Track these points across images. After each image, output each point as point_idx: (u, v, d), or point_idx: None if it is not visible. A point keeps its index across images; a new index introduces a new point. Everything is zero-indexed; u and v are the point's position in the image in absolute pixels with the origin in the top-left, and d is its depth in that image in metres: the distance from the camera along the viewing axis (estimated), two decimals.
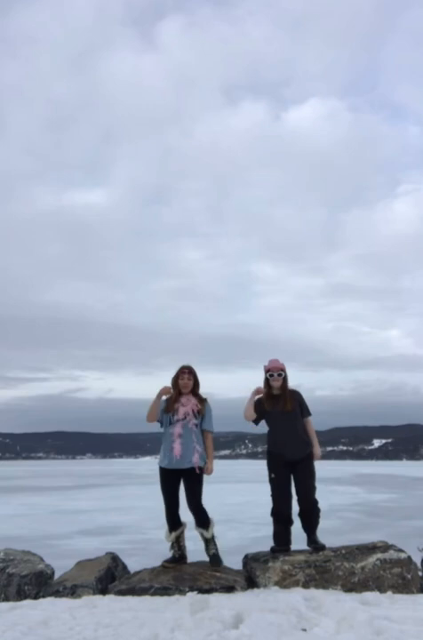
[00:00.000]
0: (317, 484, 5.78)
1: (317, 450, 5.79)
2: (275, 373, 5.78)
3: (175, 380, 5.63)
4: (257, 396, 5.81)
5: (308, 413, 5.85)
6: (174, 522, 5.57)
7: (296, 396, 5.82)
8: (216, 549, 5.53)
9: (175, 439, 5.49)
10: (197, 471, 5.47)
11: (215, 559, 5.46)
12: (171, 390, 5.57)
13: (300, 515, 5.69)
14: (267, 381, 5.82)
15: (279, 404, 5.73)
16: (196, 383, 5.66)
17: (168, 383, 5.63)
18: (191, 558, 5.65)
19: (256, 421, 5.86)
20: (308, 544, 5.63)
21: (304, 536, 5.71)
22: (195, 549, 5.70)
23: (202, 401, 5.64)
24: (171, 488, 5.52)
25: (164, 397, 5.62)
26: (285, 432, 5.69)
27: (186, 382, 5.58)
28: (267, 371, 5.83)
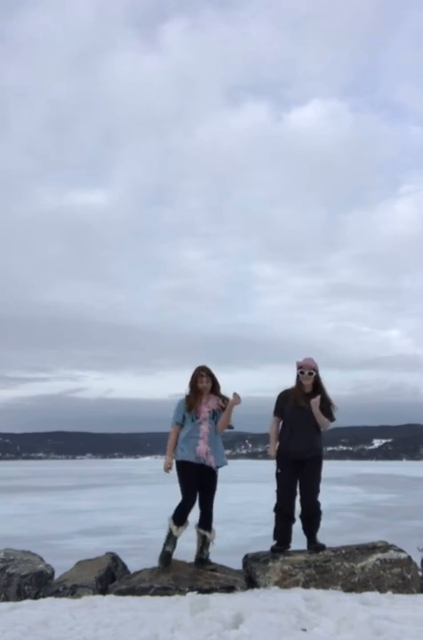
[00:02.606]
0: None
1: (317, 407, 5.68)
2: (306, 371, 5.77)
3: (194, 382, 5.63)
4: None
5: (332, 419, 5.82)
6: (184, 518, 5.54)
7: (324, 401, 5.75)
8: (208, 555, 5.62)
9: (201, 436, 5.49)
10: (214, 467, 5.52)
11: (206, 563, 5.54)
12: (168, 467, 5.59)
13: (301, 516, 5.69)
14: (297, 378, 5.82)
15: (305, 401, 5.70)
16: (215, 383, 5.67)
17: (186, 386, 5.68)
18: (189, 558, 5.65)
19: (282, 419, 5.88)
20: (308, 546, 5.63)
21: (304, 536, 5.72)
22: (190, 550, 5.70)
23: (224, 399, 5.63)
24: (193, 483, 5.51)
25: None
26: (297, 429, 5.67)
27: (205, 385, 5.59)
28: (298, 367, 5.81)
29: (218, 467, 5.57)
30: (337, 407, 5.86)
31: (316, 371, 5.80)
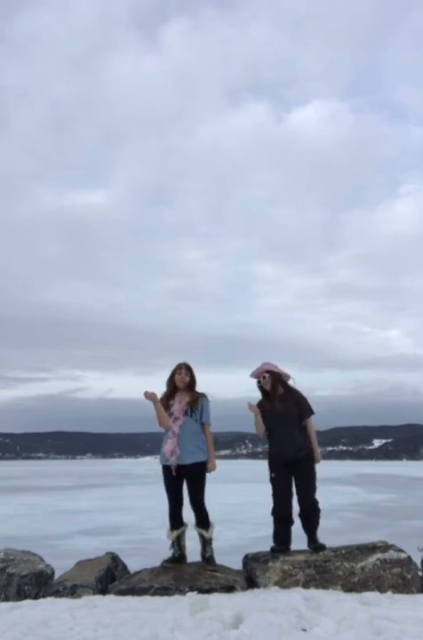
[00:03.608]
0: (317, 484, 5.77)
1: (317, 453, 5.74)
2: (261, 379, 5.79)
3: (171, 376, 5.62)
4: (256, 410, 5.77)
5: (309, 413, 5.80)
6: (176, 521, 5.56)
7: (294, 397, 5.79)
8: (212, 552, 5.56)
9: (171, 437, 5.46)
10: (173, 467, 5.42)
11: (210, 561, 5.50)
12: (153, 392, 5.45)
13: (300, 515, 5.69)
14: (260, 388, 5.84)
15: (274, 406, 5.73)
16: (193, 380, 5.63)
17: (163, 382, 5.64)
18: (191, 558, 5.65)
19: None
20: (309, 545, 5.63)
21: (304, 536, 5.71)
22: (194, 550, 5.70)
23: (197, 396, 5.58)
24: (171, 486, 5.51)
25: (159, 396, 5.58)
26: (280, 431, 5.69)
27: (182, 377, 5.55)
28: (255, 378, 5.84)
29: (182, 465, 5.42)
30: (306, 396, 5.83)
31: (270, 371, 5.78)
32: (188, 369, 5.61)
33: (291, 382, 5.90)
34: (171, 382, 5.60)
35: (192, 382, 5.61)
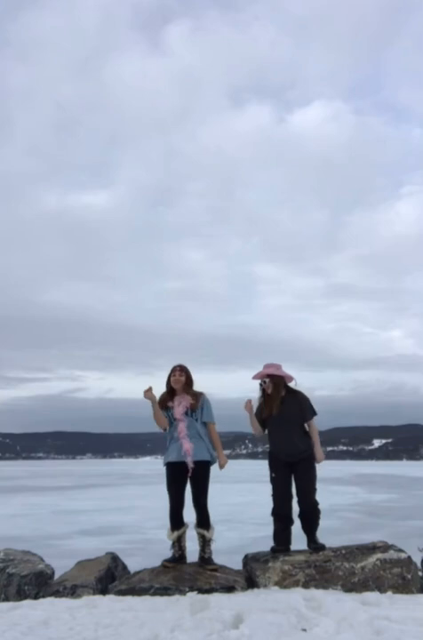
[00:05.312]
0: (317, 485, 5.76)
1: (319, 453, 5.74)
2: (262, 382, 5.81)
3: (168, 379, 5.63)
4: (251, 410, 5.79)
5: (312, 415, 5.80)
6: (177, 521, 5.55)
7: (297, 399, 5.79)
8: (211, 554, 5.55)
9: (182, 437, 5.46)
10: (190, 466, 5.42)
11: (208, 562, 5.49)
12: (152, 393, 5.44)
13: (300, 516, 5.69)
14: (263, 391, 5.84)
15: (273, 410, 5.73)
16: (189, 381, 5.63)
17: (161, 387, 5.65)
18: (191, 558, 5.65)
19: (264, 429, 5.88)
20: (308, 545, 5.64)
21: (304, 536, 5.71)
22: (194, 549, 5.70)
23: (196, 395, 5.59)
24: (176, 484, 5.50)
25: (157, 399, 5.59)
26: (280, 434, 5.71)
27: (177, 378, 5.55)
28: (258, 380, 5.84)
29: (198, 461, 5.45)
30: (308, 397, 5.83)
31: (271, 375, 5.77)
32: (182, 369, 5.61)
33: (292, 384, 5.91)
34: (168, 385, 5.62)
35: (188, 382, 5.61)
